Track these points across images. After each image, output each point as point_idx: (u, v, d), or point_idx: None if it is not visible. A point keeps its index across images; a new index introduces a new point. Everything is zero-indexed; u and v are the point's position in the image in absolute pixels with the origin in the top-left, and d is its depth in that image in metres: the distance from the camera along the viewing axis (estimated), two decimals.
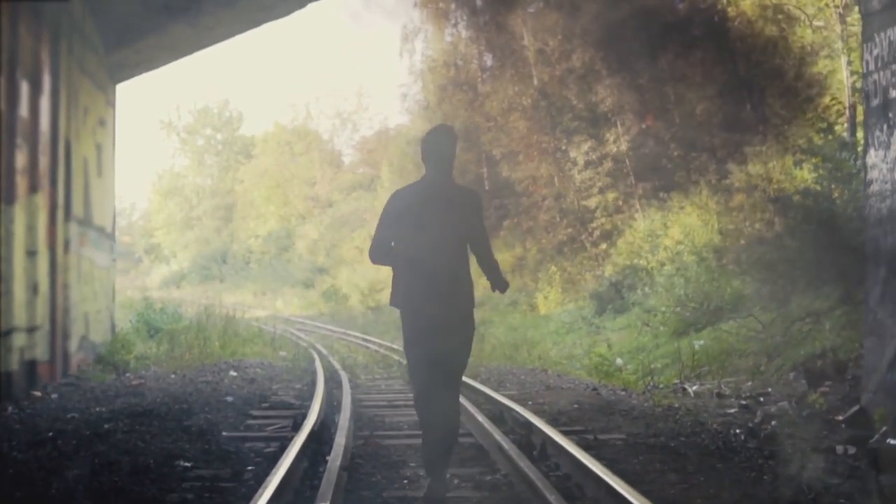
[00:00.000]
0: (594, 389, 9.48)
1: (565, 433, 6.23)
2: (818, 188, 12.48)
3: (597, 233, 22.33)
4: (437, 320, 4.56)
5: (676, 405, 8.09)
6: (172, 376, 10.64)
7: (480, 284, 4.93)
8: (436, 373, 4.62)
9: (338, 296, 30.75)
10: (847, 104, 15.72)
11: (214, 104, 56.94)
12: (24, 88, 8.85)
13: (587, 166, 22.48)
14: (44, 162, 9.42)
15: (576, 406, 8.05)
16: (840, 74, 16.22)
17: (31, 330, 8.97)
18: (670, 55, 18.60)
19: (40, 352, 9.29)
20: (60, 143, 9.95)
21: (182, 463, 5.54)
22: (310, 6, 12.14)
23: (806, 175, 14.41)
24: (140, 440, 6.25)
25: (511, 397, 8.43)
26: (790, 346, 10.36)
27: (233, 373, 11.12)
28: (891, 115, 6.74)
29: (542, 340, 17.14)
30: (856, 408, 6.92)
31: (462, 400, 6.89)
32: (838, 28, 16.02)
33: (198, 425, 6.85)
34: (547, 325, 19.59)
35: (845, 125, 15.68)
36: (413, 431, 6.70)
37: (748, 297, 13.58)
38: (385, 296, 24.50)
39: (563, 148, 23.01)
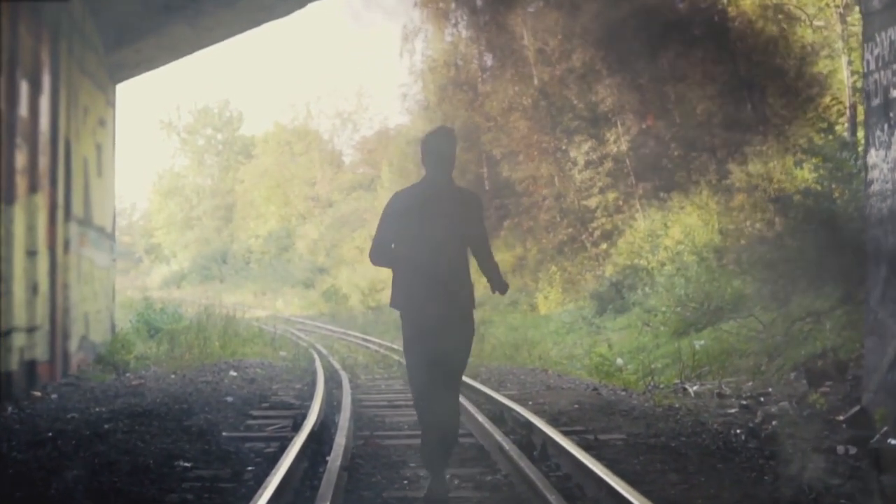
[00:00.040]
0: (595, 389, 9.47)
1: (566, 433, 6.22)
2: (819, 188, 12.47)
3: (597, 233, 22.32)
4: (438, 321, 4.56)
5: (677, 405, 8.08)
6: (172, 376, 10.63)
7: (480, 284, 4.92)
8: (436, 373, 4.62)
9: (338, 296, 30.75)
10: (848, 104, 15.71)
11: (215, 104, 57.03)
12: (24, 88, 8.84)
13: (587, 166, 22.47)
14: (43, 162, 9.42)
15: (576, 406, 8.05)
16: (841, 74, 16.21)
17: (30, 330, 8.97)
18: (671, 55, 18.59)
19: (40, 352, 9.29)
20: (60, 143, 9.94)
21: (182, 463, 5.54)
22: (310, 6, 12.15)
23: (806, 175, 14.40)
24: (140, 440, 6.25)
25: (511, 397, 8.43)
26: (791, 346, 10.35)
27: (233, 373, 11.12)
28: (891, 114, 6.73)
29: (542, 340, 17.13)
30: (857, 408, 6.91)
31: (462, 400, 6.89)
32: (839, 28, 16.00)
33: (198, 425, 6.85)
34: (547, 325, 19.58)
35: (846, 125, 15.67)
36: (413, 432, 6.69)
37: (749, 297, 13.57)
38: (385, 296, 24.48)
39: (564, 148, 23.00)
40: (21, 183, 8.72)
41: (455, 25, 27.37)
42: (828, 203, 11.71)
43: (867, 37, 7.17)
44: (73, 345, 10.53)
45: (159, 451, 5.84)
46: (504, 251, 23.87)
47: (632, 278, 18.76)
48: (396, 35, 38.51)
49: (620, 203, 22.22)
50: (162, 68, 13.66)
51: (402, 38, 28.83)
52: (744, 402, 8.17)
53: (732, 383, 9.70)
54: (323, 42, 76.91)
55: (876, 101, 6.95)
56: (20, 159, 8.70)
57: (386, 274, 4.96)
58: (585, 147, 22.33)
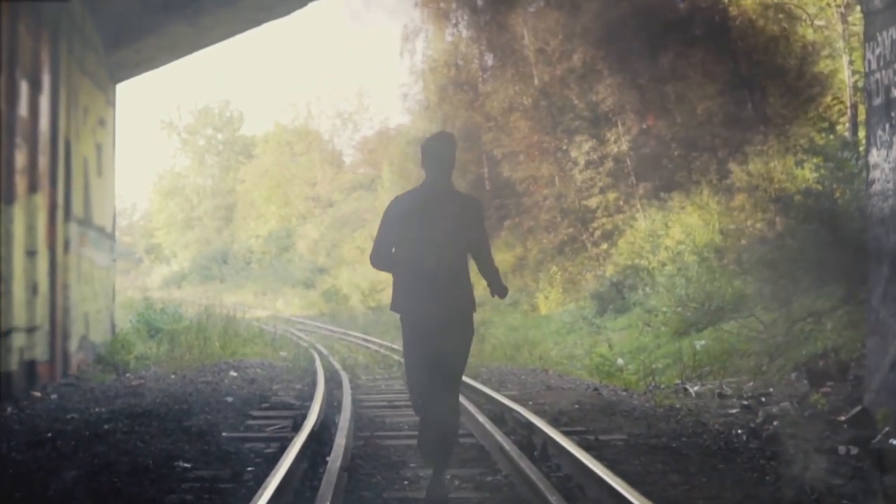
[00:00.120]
0: (595, 390, 9.46)
1: (566, 434, 6.21)
2: (820, 188, 12.47)
3: (598, 233, 22.31)
4: (438, 324, 4.58)
5: (678, 405, 8.07)
6: (172, 377, 10.62)
7: (480, 285, 4.93)
8: (436, 375, 4.64)
9: (338, 296, 30.74)
10: (849, 103, 15.69)
11: (215, 104, 57.00)
12: (24, 88, 8.83)
13: (588, 166, 22.46)
14: (43, 162, 9.41)
15: (577, 406, 8.03)
16: (842, 74, 16.19)
17: (30, 330, 8.95)
18: (671, 54, 18.58)
19: (40, 352, 9.27)
20: (60, 142, 9.93)
21: (181, 464, 5.52)
22: (310, 5, 12.12)
23: (807, 174, 14.40)
24: (139, 441, 6.23)
25: (512, 397, 8.41)
26: (792, 346, 10.34)
27: (233, 373, 11.11)
28: (893, 114, 6.72)
29: (542, 340, 17.12)
30: (858, 408, 6.90)
31: (463, 400, 6.87)
32: (840, 27, 15.99)
33: (197, 426, 6.83)
34: (548, 325, 19.57)
35: (847, 124, 15.67)
36: (413, 432, 6.67)
37: (749, 297, 13.57)
38: (385, 296, 24.47)
39: (564, 148, 23.00)
40: (21, 183, 8.71)
41: (456, 25, 27.40)
42: (829, 203, 11.70)
43: (868, 36, 7.15)
44: (73, 345, 10.52)
45: (159, 452, 5.82)
46: (504, 251, 23.85)
47: (632, 278, 18.75)
48: (397, 35, 38.49)
49: (621, 203, 22.21)
50: (162, 68, 13.67)
51: (402, 37, 28.88)
52: (745, 403, 8.15)
53: (733, 383, 9.69)
54: (323, 42, 76.95)
55: (877, 101, 6.94)
56: (20, 159, 8.69)
57: (386, 274, 4.96)
58: (586, 147, 22.32)
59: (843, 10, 15.77)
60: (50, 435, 6.44)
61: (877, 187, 6.91)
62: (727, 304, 13.86)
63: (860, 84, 14.05)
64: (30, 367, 8.94)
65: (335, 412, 7.70)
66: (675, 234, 18.22)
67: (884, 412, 6.60)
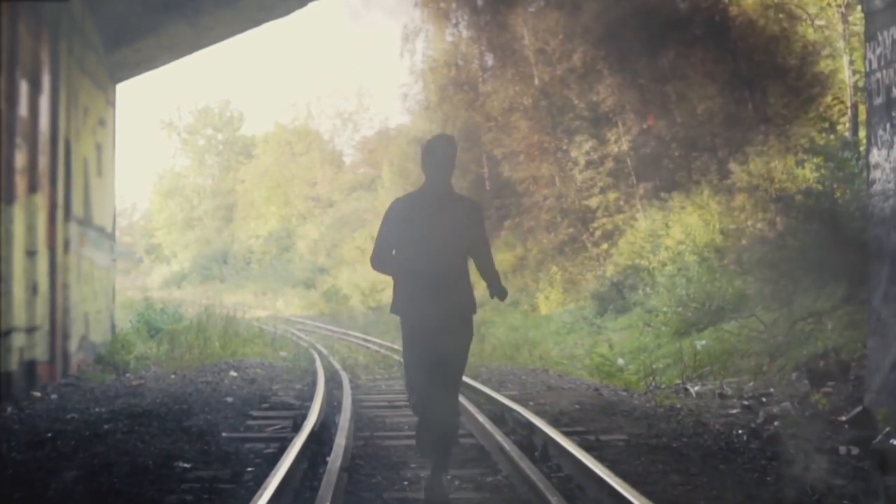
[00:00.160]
0: (596, 390, 9.45)
1: (567, 434, 6.20)
2: (820, 187, 12.46)
3: (598, 233, 22.30)
4: (438, 326, 4.60)
5: (678, 406, 8.06)
6: (172, 377, 10.61)
7: (481, 286, 4.94)
8: (436, 376, 4.65)
9: (338, 296, 30.73)
10: (849, 103, 15.69)
11: (215, 104, 57.00)
12: (24, 88, 8.82)
13: (588, 166, 22.45)
14: (43, 162, 9.40)
15: (577, 407, 8.02)
16: (842, 73, 16.19)
17: (30, 330, 8.95)
18: (671, 54, 18.58)
19: (40, 352, 9.26)
20: (60, 142, 9.92)
21: (181, 464, 5.51)
22: (310, 5, 12.12)
23: (808, 174, 14.40)
24: (139, 441, 6.22)
25: (512, 398, 8.40)
26: (793, 346, 10.33)
27: (233, 373, 11.10)
28: (894, 113, 6.71)
29: (543, 341, 17.11)
30: (859, 408, 6.89)
31: (463, 400, 6.87)
32: (840, 27, 15.98)
33: (197, 426, 6.83)
34: (548, 325, 19.56)
35: (847, 124, 15.66)
36: (414, 432, 6.67)
37: (750, 297, 13.56)
38: (385, 296, 24.47)
39: (565, 148, 22.99)
40: (21, 183, 8.70)
41: (456, 25, 27.39)
42: (829, 203, 11.70)
43: (869, 36, 7.15)
44: (73, 345, 10.51)
45: (159, 452, 5.82)
46: (505, 251, 23.84)
47: (633, 278, 18.74)
48: (397, 35, 38.48)
49: (621, 203, 22.20)
50: (162, 68, 13.66)
51: (402, 37, 28.86)
52: (745, 403, 8.14)
53: (734, 384, 9.68)
54: (323, 42, 76.94)
55: (878, 101, 6.93)
56: (20, 159, 8.68)
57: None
58: (586, 147, 22.31)
59: (843, 9, 15.77)
60: (50, 435, 6.43)
61: (877, 187, 6.91)
62: (728, 304, 13.85)
63: (861, 84, 14.04)
64: (30, 367, 8.93)
65: (335, 412, 7.69)
66: (675, 234, 18.21)
67: (884, 412, 6.59)
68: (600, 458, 5.28)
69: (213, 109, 55.82)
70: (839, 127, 15.81)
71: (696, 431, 6.71)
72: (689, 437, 6.47)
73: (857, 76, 15.05)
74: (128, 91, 60.97)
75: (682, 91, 19.53)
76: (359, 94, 63.05)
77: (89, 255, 11.33)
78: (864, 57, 7.32)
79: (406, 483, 5.23)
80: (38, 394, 8.62)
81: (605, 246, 21.90)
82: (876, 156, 6.94)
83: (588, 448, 5.74)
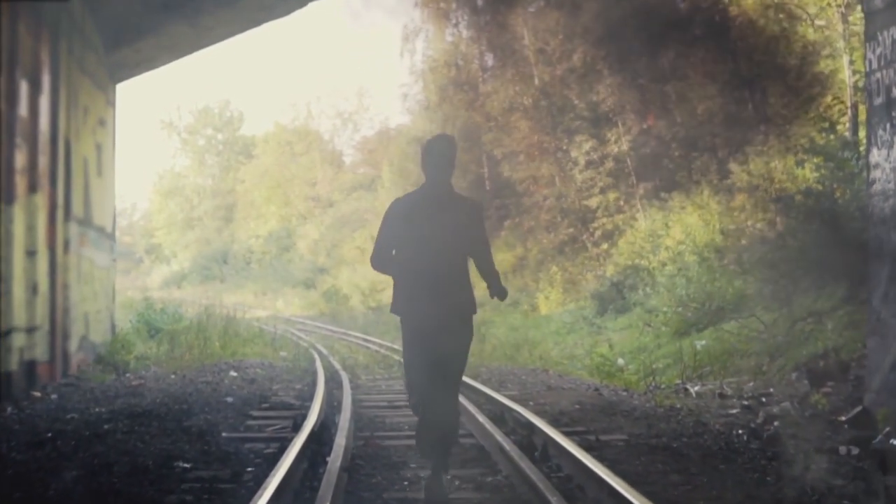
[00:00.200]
0: (596, 390, 9.45)
1: (567, 434, 6.20)
2: (820, 187, 12.46)
3: (598, 233, 22.30)
4: (438, 327, 4.61)
5: (678, 406, 8.06)
6: (172, 377, 10.61)
7: (481, 286, 4.94)
8: (436, 376, 4.66)
9: (338, 296, 30.73)
10: (849, 103, 15.69)
11: (215, 104, 57.00)
12: (24, 88, 8.82)
13: (588, 166, 22.45)
14: (43, 162, 9.40)
15: (577, 407, 8.02)
16: (842, 73, 16.19)
17: (30, 330, 8.95)
18: (671, 54, 18.58)
19: (40, 352, 9.26)
20: (60, 142, 9.92)
21: (181, 464, 5.51)
22: (310, 5, 12.11)
23: (808, 174, 14.40)
24: (139, 441, 6.22)
25: (512, 398, 8.40)
26: (792, 346, 10.33)
27: (233, 373, 11.10)
28: (894, 113, 6.71)
29: (543, 341, 17.10)
30: (859, 408, 6.89)
31: (463, 400, 6.87)
32: (840, 27, 15.98)
33: (197, 426, 6.82)
34: (548, 325, 19.55)
35: (847, 124, 15.66)
36: (414, 432, 6.67)
37: (750, 297, 13.56)
38: (385, 296, 24.46)
39: (565, 148, 22.98)
40: (21, 183, 8.70)
41: (456, 25, 27.39)
42: (829, 203, 11.70)
43: (869, 36, 7.15)
44: (73, 345, 10.51)
45: (158, 452, 5.81)
46: (505, 251, 23.84)
47: (633, 278, 18.74)
48: (397, 35, 38.48)
49: (621, 203, 22.20)
50: (162, 68, 13.65)
51: (402, 37, 28.87)
52: (745, 403, 8.14)
53: (734, 384, 9.68)
54: (323, 42, 76.93)
55: (878, 100, 6.93)
56: (20, 159, 8.68)
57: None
58: (586, 147, 22.31)
59: (843, 9, 15.77)
60: (50, 435, 6.43)
61: (877, 187, 6.91)
62: (728, 304, 13.85)
63: (861, 84, 14.04)
64: (30, 367, 8.93)
65: (335, 412, 7.69)
66: (675, 234, 18.21)
67: (884, 412, 6.59)
68: (600, 458, 5.28)
69: (213, 109, 55.84)
70: (839, 127, 15.82)
71: (696, 431, 6.71)
72: (689, 437, 6.47)
73: (857, 76, 15.05)
74: (128, 91, 60.98)
75: (682, 91, 19.54)
76: (359, 94, 63.03)
77: (89, 255, 11.33)
78: (864, 57, 7.32)
79: (406, 483, 5.23)
80: (38, 394, 8.62)
81: (605, 246, 21.90)
82: (876, 156, 6.94)
83: (588, 448, 5.74)
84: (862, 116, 13.30)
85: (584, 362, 13.67)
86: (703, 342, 12.38)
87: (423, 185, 4.82)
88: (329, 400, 8.63)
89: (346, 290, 31.24)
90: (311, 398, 8.49)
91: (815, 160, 13.80)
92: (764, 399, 8.38)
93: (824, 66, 17.17)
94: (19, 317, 8.61)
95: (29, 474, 5.23)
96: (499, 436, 5.95)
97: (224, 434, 6.61)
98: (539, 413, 7.29)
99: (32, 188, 9.03)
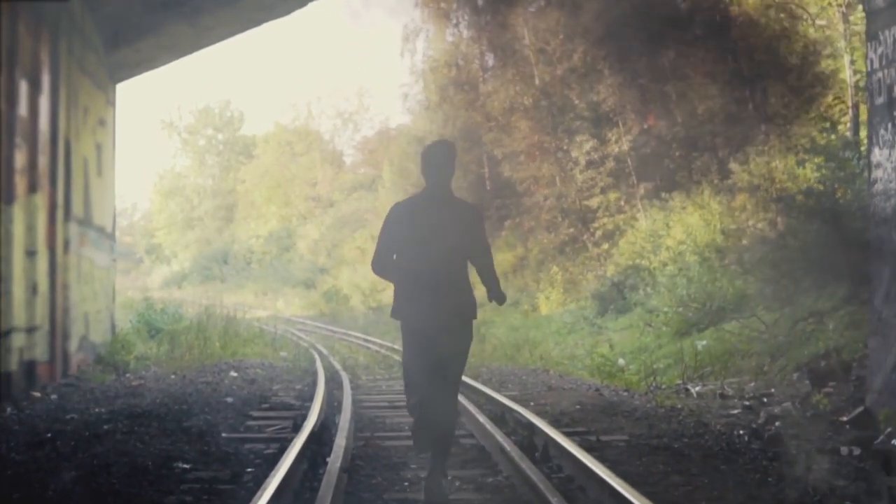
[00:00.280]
0: (596, 390, 9.43)
1: (567, 434, 6.18)
2: (821, 187, 12.45)
3: (598, 233, 22.28)
4: (438, 330, 4.64)
5: (679, 406, 8.04)
6: (172, 377, 10.60)
7: (481, 289, 4.95)
8: (436, 379, 4.69)
9: (339, 296, 30.72)
10: (850, 103, 15.68)
11: (216, 104, 56.98)
12: (24, 88, 8.81)
13: (589, 166, 22.43)
14: (43, 161, 9.39)
15: (578, 407, 8.01)
16: (843, 73, 16.18)
17: (30, 330, 8.93)
18: (672, 54, 18.57)
19: (40, 352, 9.25)
20: (60, 142, 9.91)
21: (181, 464, 5.50)
22: (310, 5, 12.11)
23: (809, 174, 14.39)
24: (139, 441, 6.21)
25: (513, 398, 8.39)
26: (794, 347, 10.31)
27: (233, 373, 11.09)
28: (895, 113, 6.69)
29: (543, 341, 17.08)
30: (860, 408, 6.88)
31: (463, 400, 6.85)
32: (841, 26, 15.97)
33: (197, 426, 6.81)
34: (549, 325, 19.54)
35: (848, 124, 15.65)
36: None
37: (751, 297, 13.54)
38: (386, 296, 24.46)
39: (565, 148, 22.97)
40: (21, 183, 8.69)
41: (456, 25, 27.38)
42: (830, 202, 11.69)
43: (871, 35, 7.13)
44: (73, 345, 10.49)
45: (158, 453, 5.80)
46: (505, 251, 23.83)
47: (633, 278, 18.72)
48: (397, 35, 38.52)
49: (622, 203, 22.18)
50: (162, 68, 13.65)
51: (402, 37, 28.86)
52: (746, 403, 8.12)
53: (735, 384, 9.66)
54: (323, 42, 76.93)
55: (880, 100, 6.92)
56: (20, 159, 8.67)
57: None
58: (587, 147, 22.29)
59: (844, 9, 15.76)
60: (49, 435, 6.42)
61: (879, 187, 6.89)
62: (728, 304, 13.84)
63: (862, 83, 14.03)
64: (29, 367, 8.92)
65: (335, 412, 7.67)
66: (676, 234, 18.19)
67: (886, 413, 6.58)
68: (601, 459, 5.27)
69: (213, 109, 55.84)
70: (840, 126, 15.81)
71: (697, 432, 6.70)
72: (690, 438, 6.45)
73: (859, 76, 15.04)
74: (128, 91, 60.98)
75: (683, 91, 19.52)
76: (359, 94, 62.92)
77: (89, 255, 11.32)
78: (866, 56, 7.30)
79: (406, 484, 5.22)
80: (37, 394, 8.60)
81: (605, 246, 21.88)
82: (877, 155, 6.92)
83: (589, 448, 5.73)
84: (863, 116, 13.29)
85: (584, 362, 13.66)
86: (704, 342, 12.37)
87: (423, 189, 4.89)
88: (329, 400, 8.62)
89: (346, 290, 31.24)
90: (311, 398, 8.48)
91: (816, 160, 13.78)
92: (765, 399, 8.37)
93: (825, 65, 17.16)
94: (19, 317, 8.60)
95: (28, 475, 5.22)
96: (499, 436, 5.93)
97: (224, 434, 6.60)
98: (540, 413, 7.28)
99: (32, 188, 9.02)
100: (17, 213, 8.57)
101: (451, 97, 26.62)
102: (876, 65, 6.96)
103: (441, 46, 27.68)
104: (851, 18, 15.53)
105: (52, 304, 9.62)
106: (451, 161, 4.84)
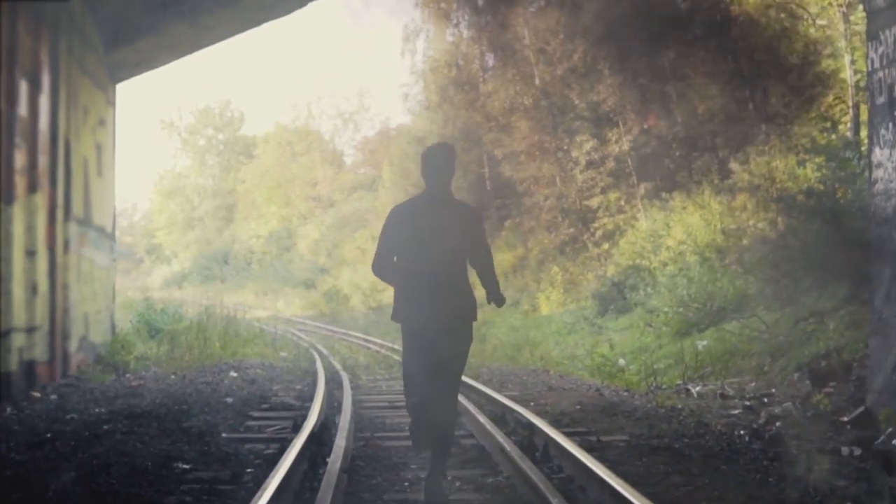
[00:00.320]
0: (597, 390, 9.43)
1: (568, 434, 6.18)
2: (822, 187, 12.44)
3: (599, 233, 22.27)
4: (438, 331, 4.65)
5: (680, 406, 8.03)
6: (172, 377, 10.59)
7: (480, 291, 4.96)
8: (436, 380, 4.70)
9: (339, 296, 30.72)
10: (851, 103, 15.67)
11: (216, 104, 56.99)
12: (24, 87, 8.80)
13: (589, 166, 22.42)
14: (43, 161, 9.38)
15: (578, 407, 8.00)
16: (844, 73, 16.17)
17: (30, 330, 8.93)
18: (672, 54, 18.56)
19: (40, 352, 9.25)
20: (60, 142, 9.91)
21: (181, 465, 5.49)
22: (310, 5, 12.10)
23: (809, 174, 14.38)
24: (139, 441, 6.20)
25: (513, 398, 8.38)
26: (794, 347, 10.31)
27: (233, 373, 11.08)
28: None
29: (544, 341, 17.08)
30: (861, 409, 6.87)
31: (464, 401, 6.85)
32: (842, 26, 15.96)
33: (197, 427, 6.80)
34: (549, 325, 19.53)
35: (849, 124, 15.64)
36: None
37: (752, 297, 13.53)
38: (386, 296, 24.44)
39: (565, 148, 22.96)
40: (20, 183, 8.68)
41: (456, 25, 27.38)
42: (831, 202, 11.68)
43: (871, 35, 7.12)
44: (73, 345, 10.49)
45: (158, 453, 5.79)
46: (505, 251, 23.82)
47: (634, 278, 18.71)
48: (397, 35, 38.55)
49: (622, 203, 22.17)
50: (162, 68, 13.64)
51: (403, 37, 28.87)
52: (747, 403, 8.12)
53: (735, 384, 9.65)
54: (323, 42, 76.93)
55: (880, 100, 6.91)
56: (20, 159, 8.66)
57: None
58: (587, 147, 22.28)
59: (845, 8, 15.75)
60: (49, 435, 6.41)
61: (880, 186, 6.88)
62: (729, 304, 13.83)
63: (862, 83, 14.02)
64: (29, 367, 8.91)
65: (335, 413, 7.67)
66: (676, 234, 18.18)
67: (887, 413, 6.57)
68: (601, 459, 5.26)
69: (213, 109, 55.85)
70: (841, 126, 15.80)
71: (697, 432, 6.69)
72: (690, 438, 6.44)
73: (859, 75, 15.03)
74: (128, 91, 61.00)
75: (683, 91, 19.51)
76: (359, 94, 62.95)
77: (89, 255, 11.31)
78: (866, 56, 7.30)
79: (406, 484, 5.21)
80: (37, 394, 8.60)
81: (605, 246, 21.87)
82: (878, 155, 6.92)
83: (589, 449, 5.72)
84: (864, 116, 13.27)
85: (584, 363, 13.65)
86: (705, 342, 12.36)
87: (423, 191, 4.91)
88: (329, 400, 8.61)
89: (346, 290, 31.23)
90: (311, 399, 8.47)
91: (816, 160, 13.77)
92: (766, 399, 8.36)
93: (826, 65, 17.15)
94: (19, 317, 8.60)
95: (28, 475, 5.22)
96: (500, 436, 5.93)
97: (224, 435, 6.59)
98: (540, 413, 7.27)
99: (32, 188, 9.01)
100: (17, 213, 8.56)
101: (452, 97, 26.62)
102: (876, 64, 6.96)
103: (441, 46, 27.69)
104: (852, 18, 15.52)
105: (51, 304, 9.61)
106: (451, 163, 4.87)
